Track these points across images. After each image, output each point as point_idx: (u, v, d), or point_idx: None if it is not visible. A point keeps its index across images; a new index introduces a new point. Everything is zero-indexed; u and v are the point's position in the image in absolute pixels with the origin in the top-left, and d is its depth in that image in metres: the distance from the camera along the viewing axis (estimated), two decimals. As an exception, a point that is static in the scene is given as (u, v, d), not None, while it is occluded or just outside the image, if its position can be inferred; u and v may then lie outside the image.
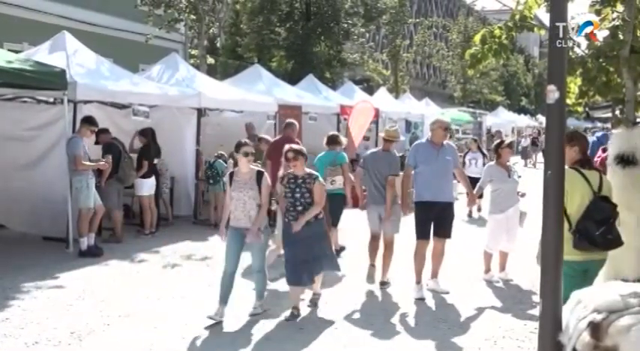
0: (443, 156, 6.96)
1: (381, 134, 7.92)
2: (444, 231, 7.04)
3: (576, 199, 4.50)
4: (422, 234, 7.01)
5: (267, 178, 6.05)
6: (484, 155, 13.17)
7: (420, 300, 6.72)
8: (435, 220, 6.98)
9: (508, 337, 5.68)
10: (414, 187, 7.09)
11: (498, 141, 8.45)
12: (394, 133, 7.50)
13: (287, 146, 6.17)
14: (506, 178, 7.50)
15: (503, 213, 7.43)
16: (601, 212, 4.50)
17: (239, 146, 6.08)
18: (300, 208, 6.02)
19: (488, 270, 7.68)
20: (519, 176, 8.01)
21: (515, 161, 14.48)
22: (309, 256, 6.04)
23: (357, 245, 8.43)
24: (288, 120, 9.80)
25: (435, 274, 7.18)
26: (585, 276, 4.55)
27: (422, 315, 6.27)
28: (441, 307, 6.54)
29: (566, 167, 4.32)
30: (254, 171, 6.06)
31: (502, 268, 7.64)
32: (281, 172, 6.53)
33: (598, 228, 4.43)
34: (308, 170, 6.16)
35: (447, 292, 6.98)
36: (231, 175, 6.10)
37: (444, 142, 7.12)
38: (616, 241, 4.49)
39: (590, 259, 4.58)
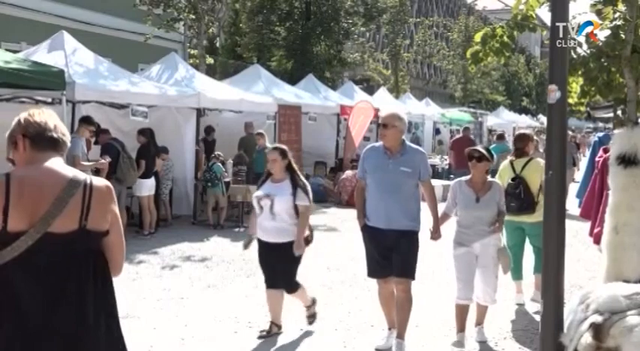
0: (396, 166, 5.04)
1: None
2: (400, 268, 5.06)
3: (504, 180, 6.38)
4: (371, 271, 5.28)
5: None
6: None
7: None
8: (392, 252, 5.07)
9: (509, 338, 5.65)
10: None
11: (469, 149, 5.68)
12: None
13: None
14: (472, 203, 5.35)
15: (465, 247, 5.34)
16: (511, 187, 6.27)
17: None
18: None
19: (460, 329, 5.38)
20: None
21: None
22: None
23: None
24: (466, 125, 15.78)
25: (400, 336, 5.18)
26: (523, 232, 6.48)
27: (423, 316, 6.23)
28: (442, 309, 6.50)
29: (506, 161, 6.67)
30: None
31: (478, 321, 5.62)
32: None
33: (506, 198, 5.90)
34: None
35: None
36: None
37: (408, 146, 5.21)
38: (514, 208, 6.16)
39: (522, 221, 6.33)
